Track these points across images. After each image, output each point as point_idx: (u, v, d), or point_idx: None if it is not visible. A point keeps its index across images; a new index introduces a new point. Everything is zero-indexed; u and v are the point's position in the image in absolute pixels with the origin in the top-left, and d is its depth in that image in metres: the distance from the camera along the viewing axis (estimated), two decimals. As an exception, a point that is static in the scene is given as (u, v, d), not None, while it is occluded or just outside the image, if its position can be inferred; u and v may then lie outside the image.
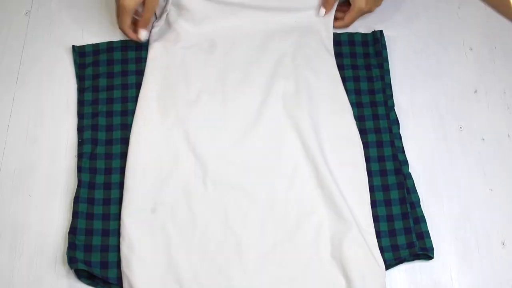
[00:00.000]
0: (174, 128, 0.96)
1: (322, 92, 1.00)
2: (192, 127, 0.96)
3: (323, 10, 1.05)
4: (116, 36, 1.05)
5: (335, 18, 1.06)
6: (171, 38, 1.03)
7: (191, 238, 0.89)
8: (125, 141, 0.95)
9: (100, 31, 1.06)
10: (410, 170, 0.95)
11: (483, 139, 1.00)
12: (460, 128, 1.01)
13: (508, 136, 1.00)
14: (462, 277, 0.90)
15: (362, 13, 1.04)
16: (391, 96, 1.01)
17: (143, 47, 1.03)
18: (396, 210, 0.92)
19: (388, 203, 0.92)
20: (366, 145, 0.96)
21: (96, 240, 0.89)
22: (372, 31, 1.06)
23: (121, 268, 0.87)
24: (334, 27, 1.05)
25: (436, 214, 0.94)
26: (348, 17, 1.05)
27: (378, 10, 1.10)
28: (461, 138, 1.00)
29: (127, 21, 1.00)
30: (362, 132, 0.97)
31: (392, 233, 0.90)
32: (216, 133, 0.96)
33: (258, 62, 1.02)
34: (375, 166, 0.95)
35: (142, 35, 1.01)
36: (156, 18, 1.06)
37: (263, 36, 1.04)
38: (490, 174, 0.97)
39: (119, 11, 0.99)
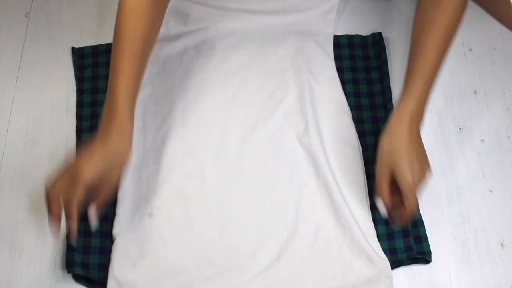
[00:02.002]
0: (171, 132, 0.96)
1: (321, 95, 0.99)
2: (189, 131, 0.96)
3: (380, 203, 0.87)
4: (115, 37, 1.05)
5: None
6: (168, 41, 1.03)
7: (188, 242, 0.88)
8: None
9: (100, 32, 1.06)
10: (409, 172, 0.96)
11: (482, 140, 1.00)
12: (460, 129, 1.01)
13: (508, 137, 1.00)
14: (461, 278, 0.90)
15: (414, 187, 0.84)
16: (391, 98, 1.01)
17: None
18: None
19: None
20: (365, 148, 0.96)
21: (95, 242, 0.88)
22: (371, 33, 1.06)
23: (110, 273, 0.86)
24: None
25: (435, 215, 0.94)
26: (407, 203, 0.84)
27: (377, 11, 1.10)
28: (461, 139, 1.00)
29: (79, 195, 0.79)
30: (361, 134, 0.97)
31: (390, 236, 0.90)
32: (214, 137, 0.96)
33: (257, 66, 1.02)
34: (374, 169, 0.95)
35: (94, 223, 0.85)
36: None
37: (262, 39, 1.04)
38: (490, 175, 0.97)
39: (70, 181, 0.78)
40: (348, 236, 0.88)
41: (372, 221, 0.90)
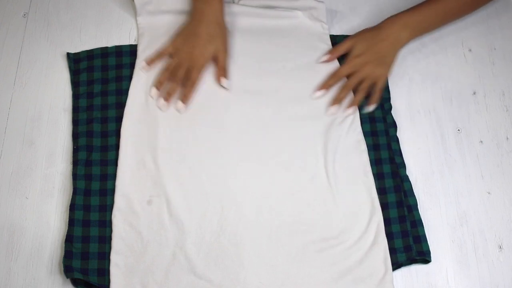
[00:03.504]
0: (167, 120, 0.96)
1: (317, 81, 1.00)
2: (185, 118, 0.96)
3: (325, 57, 1.01)
4: (112, 38, 1.05)
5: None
6: (162, 32, 1.04)
7: (188, 229, 0.89)
8: None
9: (97, 33, 1.06)
10: (407, 173, 0.95)
11: (481, 142, 0.99)
12: (458, 130, 1.00)
13: (507, 138, 1.00)
14: (459, 280, 0.89)
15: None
16: (388, 99, 1.00)
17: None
18: (393, 213, 0.92)
19: (385, 206, 0.92)
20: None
21: (93, 248, 0.89)
22: None
23: (112, 260, 0.87)
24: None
25: (433, 217, 0.93)
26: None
27: (376, 10, 1.10)
28: (459, 140, 0.99)
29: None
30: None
31: (389, 236, 0.90)
32: (210, 124, 0.96)
33: (253, 53, 1.02)
34: (373, 169, 0.95)
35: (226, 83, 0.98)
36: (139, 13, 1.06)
37: (257, 28, 1.05)
38: (488, 177, 0.96)
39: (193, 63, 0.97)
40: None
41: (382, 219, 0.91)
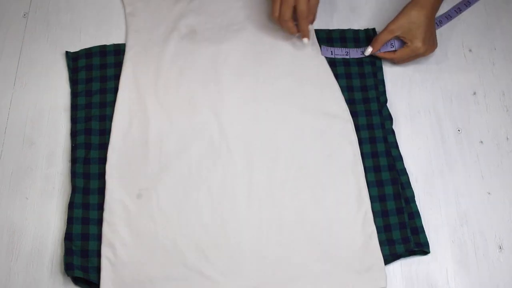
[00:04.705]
0: (156, 114, 0.96)
1: (312, 75, 1.00)
2: (175, 111, 0.97)
3: (369, 49, 1.01)
4: (112, 38, 1.05)
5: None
6: (149, 28, 1.04)
7: (178, 222, 0.89)
8: None
9: (97, 33, 1.06)
10: (407, 173, 0.95)
11: (481, 142, 0.99)
12: (459, 130, 1.00)
13: (507, 138, 1.00)
14: (459, 280, 0.90)
15: (416, 53, 0.99)
16: (384, 92, 1.01)
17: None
18: (390, 205, 0.92)
19: (382, 198, 0.93)
20: (359, 142, 0.96)
21: (93, 245, 0.89)
22: (365, 28, 1.06)
23: (102, 253, 0.87)
24: (383, 57, 1.02)
25: (433, 217, 0.93)
26: (400, 52, 1.00)
27: (377, 10, 1.10)
28: (459, 140, 0.99)
29: (288, 14, 0.97)
30: (355, 128, 0.97)
31: (387, 228, 0.91)
32: (198, 117, 0.96)
33: (245, 51, 1.02)
34: (369, 162, 0.95)
35: (304, 40, 1.00)
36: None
37: (247, 25, 1.05)
38: (488, 177, 0.96)
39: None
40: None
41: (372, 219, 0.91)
